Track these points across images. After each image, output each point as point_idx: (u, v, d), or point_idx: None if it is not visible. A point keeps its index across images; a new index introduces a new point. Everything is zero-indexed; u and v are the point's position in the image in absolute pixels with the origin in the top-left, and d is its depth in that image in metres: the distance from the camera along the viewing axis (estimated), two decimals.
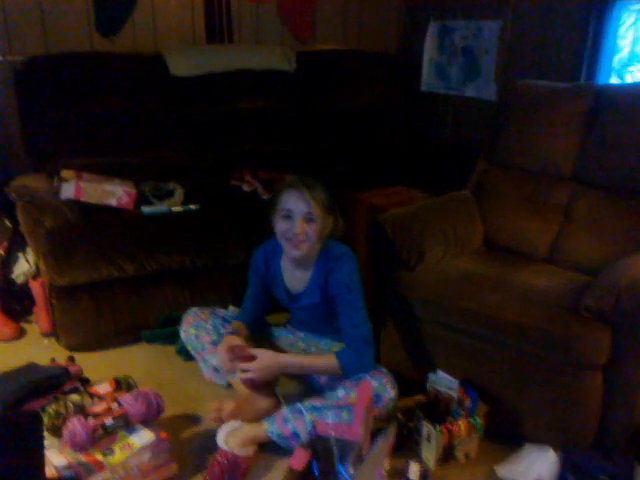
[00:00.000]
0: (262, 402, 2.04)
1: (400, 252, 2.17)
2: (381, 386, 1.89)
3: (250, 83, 3.26)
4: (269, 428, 1.85)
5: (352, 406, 1.80)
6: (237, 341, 2.02)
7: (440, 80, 3.67)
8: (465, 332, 2.01)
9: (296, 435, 1.82)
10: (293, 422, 1.83)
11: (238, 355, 1.97)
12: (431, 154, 3.36)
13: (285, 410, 1.87)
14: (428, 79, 3.75)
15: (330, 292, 2.02)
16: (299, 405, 1.87)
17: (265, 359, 1.95)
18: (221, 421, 1.93)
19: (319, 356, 2.09)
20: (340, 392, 1.88)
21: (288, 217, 1.95)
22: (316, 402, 1.87)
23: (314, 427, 1.70)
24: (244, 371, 1.95)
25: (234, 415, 1.93)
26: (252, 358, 1.96)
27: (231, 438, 1.84)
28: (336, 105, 3.46)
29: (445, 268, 2.20)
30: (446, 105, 3.65)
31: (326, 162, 3.16)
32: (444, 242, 2.29)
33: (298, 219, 1.93)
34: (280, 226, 1.98)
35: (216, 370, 2.16)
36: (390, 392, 1.90)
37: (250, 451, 1.82)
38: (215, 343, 2.14)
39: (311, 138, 3.37)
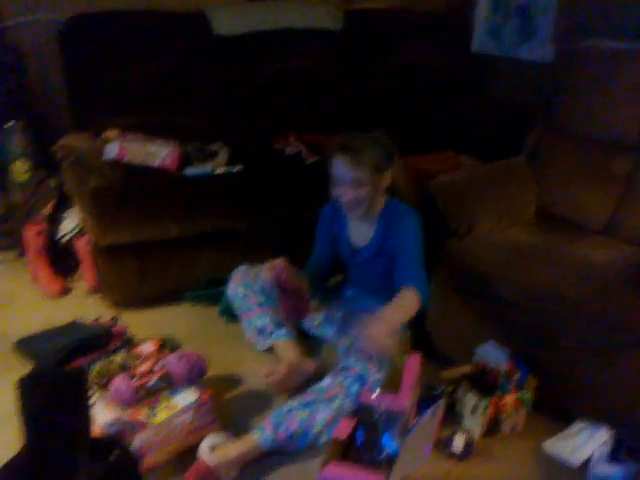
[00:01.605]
0: (307, 365, 2.04)
1: (450, 221, 2.10)
2: (365, 368, 1.83)
3: (295, 42, 3.18)
4: (261, 437, 1.71)
5: (342, 393, 1.77)
6: (282, 263, 2.01)
7: (493, 41, 3.51)
8: (518, 306, 1.93)
9: (292, 437, 1.72)
10: (285, 424, 1.72)
11: (280, 276, 1.97)
12: (481, 118, 3.23)
13: (273, 415, 1.76)
14: (480, 40, 3.59)
15: (392, 246, 2.01)
16: (286, 406, 1.78)
17: (379, 328, 1.79)
18: (275, 385, 1.93)
19: (405, 300, 1.90)
20: (325, 382, 1.83)
21: (340, 183, 1.95)
22: (306, 398, 1.79)
23: (358, 396, 1.67)
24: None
25: (285, 380, 1.93)
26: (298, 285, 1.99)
27: (216, 456, 1.65)
28: (383, 65, 3.35)
29: (497, 239, 2.12)
30: (498, 67, 3.49)
31: (372, 125, 3.07)
32: (496, 211, 2.20)
33: (346, 186, 1.94)
34: (334, 191, 1.99)
35: (260, 333, 2.14)
36: (376, 374, 1.83)
37: (234, 474, 1.67)
38: (262, 305, 2.14)
39: (357, 100, 3.27)
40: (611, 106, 2.28)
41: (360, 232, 2.12)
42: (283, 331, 2.12)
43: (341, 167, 1.93)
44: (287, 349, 2.09)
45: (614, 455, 1.69)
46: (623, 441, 1.70)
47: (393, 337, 1.79)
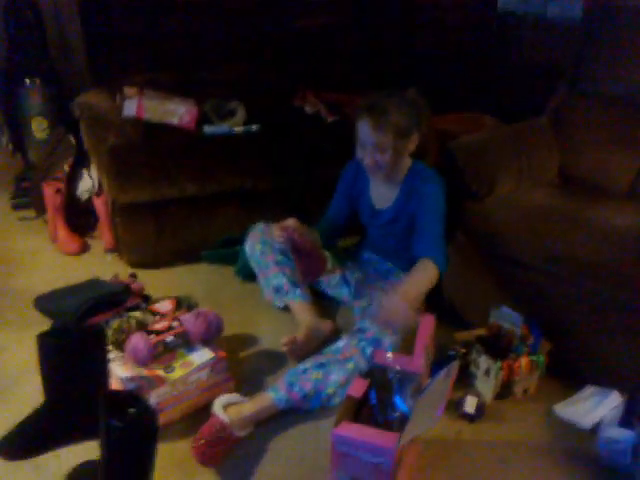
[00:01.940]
0: (324, 327, 2.05)
1: (470, 182, 2.07)
2: (381, 331, 1.83)
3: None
4: (275, 396, 1.73)
5: (357, 355, 1.78)
6: (292, 223, 2.01)
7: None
8: (536, 270, 1.91)
9: (305, 397, 1.74)
10: (299, 384, 1.74)
11: (292, 237, 1.97)
12: (506, 78, 3.16)
13: (287, 375, 1.78)
14: None
15: (413, 209, 1.99)
16: (301, 366, 1.79)
17: (397, 302, 1.76)
18: (294, 353, 1.94)
19: (421, 273, 1.90)
20: (340, 343, 1.85)
21: (362, 146, 1.93)
22: (320, 359, 1.81)
23: (372, 356, 1.68)
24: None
25: (304, 346, 1.94)
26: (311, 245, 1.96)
27: (230, 413, 1.67)
28: (405, 24, 3.27)
29: (518, 201, 2.09)
30: (524, 25, 3.38)
31: (392, 84, 3.01)
32: (517, 173, 2.17)
33: (368, 149, 1.91)
34: (357, 153, 1.97)
35: (277, 291, 2.14)
36: (391, 337, 1.83)
37: (247, 432, 1.70)
38: (279, 264, 2.13)
39: (377, 59, 3.21)
40: (639, 64, 2.20)
41: (382, 194, 2.10)
42: (298, 292, 2.12)
43: (364, 130, 1.89)
44: (303, 311, 2.10)
45: (624, 420, 1.69)
46: (634, 406, 1.69)
47: (410, 311, 1.76)
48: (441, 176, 2.03)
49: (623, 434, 1.65)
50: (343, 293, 2.25)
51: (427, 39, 3.31)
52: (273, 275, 2.15)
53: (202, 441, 1.59)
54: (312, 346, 1.98)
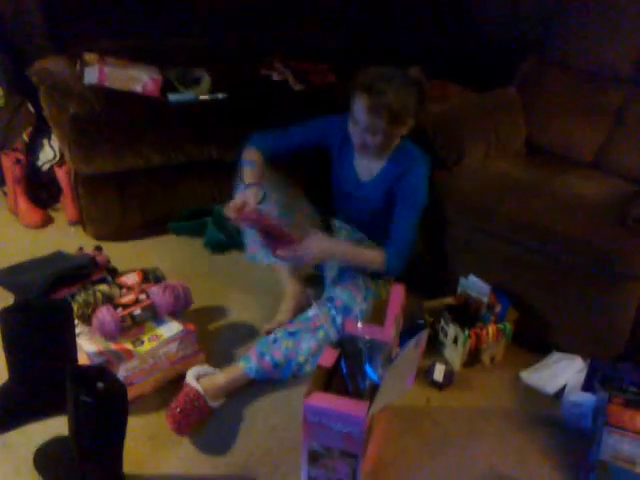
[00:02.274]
0: (302, 298, 2.03)
1: (439, 151, 2.07)
2: (350, 299, 1.85)
3: None
4: (246, 366, 1.74)
5: (327, 323, 1.80)
6: (252, 200, 1.84)
7: None
8: (502, 239, 1.94)
9: (276, 366, 1.75)
10: (270, 353, 1.75)
11: (256, 221, 1.85)
12: (474, 47, 3.15)
13: (258, 345, 1.79)
14: None
15: (396, 191, 1.95)
16: (272, 336, 1.80)
17: (313, 244, 1.85)
18: (268, 332, 1.92)
19: (367, 249, 1.97)
20: (310, 312, 1.85)
21: (354, 122, 1.86)
22: (291, 328, 1.82)
23: (344, 325, 1.68)
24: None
25: (291, 318, 1.94)
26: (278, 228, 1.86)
27: (203, 385, 1.68)
28: None
29: (485, 170, 2.11)
30: None
31: (360, 54, 2.98)
32: (485, 142, 2.18)
33: (358, 129, 1.85)
34: (349, 127, 1.90)
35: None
36: (361, 305, 1.86)
37: (220, 403, 1.72)
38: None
39: (344, 27, 3.15)
40: (607, 36, 2.23)
41: (365, 165, 2.04)
42: None
43: (358, 108, 1.82)
44: (290, 277, 2.10)
45: (587, 384, 1.75)
46: (596, 371, 1.75)
47: (320, 257, 1.91)
48: (426, 154, 1.99)
49: (585, 398, 1.70)
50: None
51: (398, 6, 3.26)
52: None
53: (178, 409, 1.60)
54: (294, 315, 1.96)
